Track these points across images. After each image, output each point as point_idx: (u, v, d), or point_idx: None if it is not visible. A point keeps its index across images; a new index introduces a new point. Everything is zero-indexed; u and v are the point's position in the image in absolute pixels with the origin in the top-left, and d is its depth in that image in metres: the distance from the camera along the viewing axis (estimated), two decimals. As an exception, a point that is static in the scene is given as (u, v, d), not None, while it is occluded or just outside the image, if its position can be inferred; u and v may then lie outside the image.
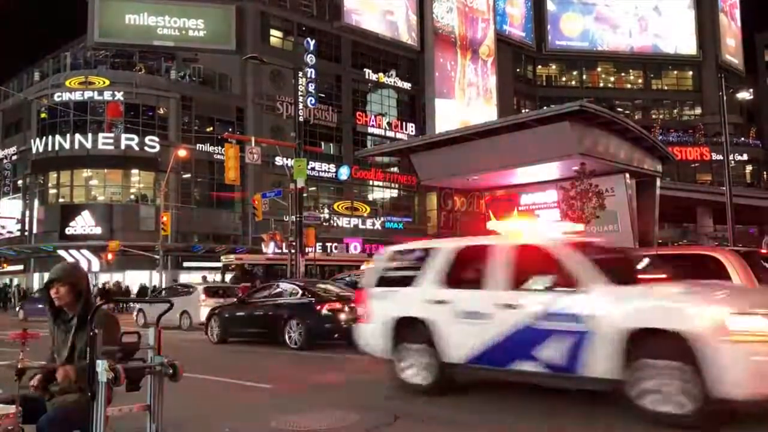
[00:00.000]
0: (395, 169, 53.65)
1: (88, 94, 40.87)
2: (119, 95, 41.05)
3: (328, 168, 48.14)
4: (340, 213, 48.77)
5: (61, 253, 38.58)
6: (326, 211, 47.30)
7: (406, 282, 8.49)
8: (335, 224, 46.86)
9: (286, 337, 14.30)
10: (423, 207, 55.06)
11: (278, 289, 15.97)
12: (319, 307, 14.16)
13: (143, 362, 3.57)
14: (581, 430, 6.11)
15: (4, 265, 42.31)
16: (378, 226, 50.50)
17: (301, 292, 15.07)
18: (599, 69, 71.08)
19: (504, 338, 7.03)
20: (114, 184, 41.86)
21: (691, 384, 5.73)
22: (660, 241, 40.65)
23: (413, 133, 52.67)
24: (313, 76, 43.42)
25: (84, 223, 39.62)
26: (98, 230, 39.46)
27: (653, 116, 68.93)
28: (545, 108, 38.60)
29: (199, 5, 46.28)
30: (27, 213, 43.45)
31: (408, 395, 7.86)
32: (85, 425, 3.41)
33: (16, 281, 44.46)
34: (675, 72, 72.03)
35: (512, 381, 7.42)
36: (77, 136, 40.16)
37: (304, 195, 28.17)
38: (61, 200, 41.65)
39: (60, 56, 46.35)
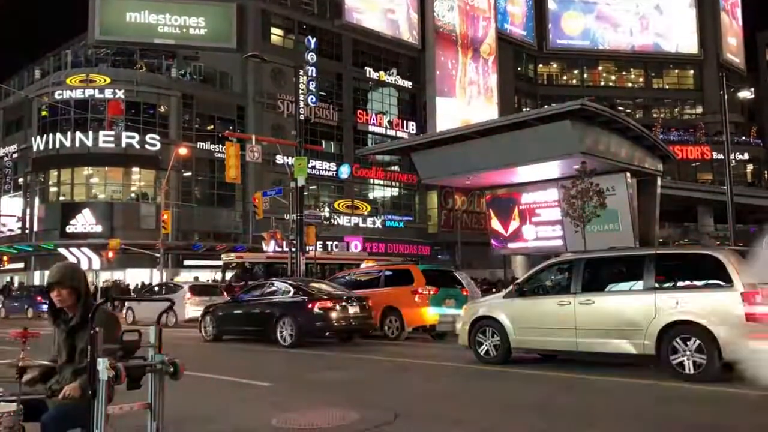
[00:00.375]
0: (396, 168, 53.64)
1: (89, 92, 40.84)
2: (120, 93, 41.02)
3: (329, 166, 48.12)
4: (341, 211, 48.76)
5: (62, 251, 38.60)
6: (327, 209, 47.28)
7: None
8: (336, 223, 46.85)
9: (278, 335, 14.45)
10: (424, 205, 55.07)
11: (271, 288, 16.11)
12: (310, 306, 14.32)
13: (144, 360, 3.57)
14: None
15: (5, 262, 42.33)
16: (379, 224, 50.50)
17: (293, 290, 15.22)
18: (600, 68, 71.02)
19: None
20: (115, 182, 41.85)
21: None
22: (661, 240, 40.71)
23: (414, 132, 52.66)
24: (313, 75, 43.38)
25: (85, 221, 39.61)
26: (99, 228, 39.45)
27: (654, 115, 68.91)
28: (546, 107, 38.65)
29: (200, 3, 46.26)
30: (28, 211, 43.44)
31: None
32: (87, 423, 3.41)
33: (17, 279, 44.47)
34: (676, 71, 71.97)
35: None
36: (78, 134, 40.15)
37: (305, 193, 28.15)
38: (61, 198, 41.64)
39: (61, 54, 46.32)
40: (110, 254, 37.14)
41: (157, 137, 40.88)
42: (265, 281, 18.04)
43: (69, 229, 39.60)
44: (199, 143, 42.34)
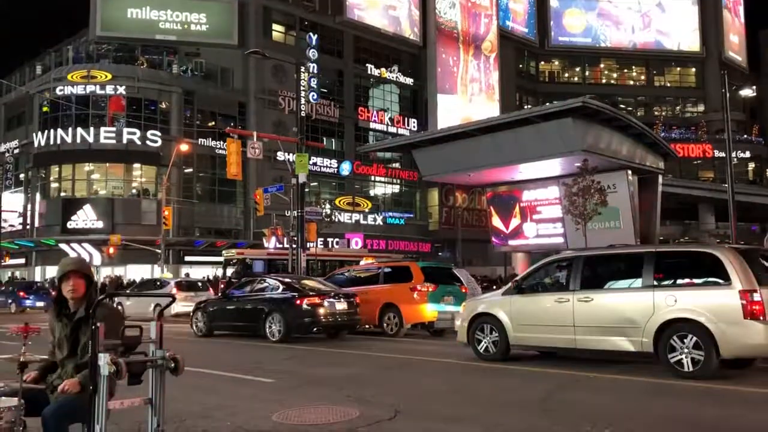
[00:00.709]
0: (397, 165, 53.63)
1: (90, 88, 40.84)
2: (121, 89, 41.01)
3: (330, 163, 48.12)
4: (342, 208, 48.77)
5: (63, 247, 38.64)
6: (328, 206, 47.29)
7: None
8: (337, 220, 46.86)
9: (267, 330, 14.70)
10: (424, 203, 55.08)
11: (261, 284, 16.39)
12: (298, 302, 14.58)
13: (145, 356, 3.57)
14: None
15: (6, 258, 42.37)
16: (379, 221, 50.51)
17: (282, 287, 15.48)
18: (602, 65, 70.94)
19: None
20: (116, 178, 41.87)
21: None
22: (662, 237, 40.70)
23: (415, 129, 52.64)
24: (315, 71, 43.39)
25: (86, 217, 39.64)
26: (100, 224, 39.48)
27: (656, 113, 68.84)
28: (548, 104, 38.63)
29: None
30: (29, 207, 43.49)
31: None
32: (87, 418, 3.41)
33: (18, 274, 44.53)
34: (678, 68, 71.87)
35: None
36: (79, 130, 40.16)
37: (306, 190, 28.15)
38: (62, 194, 41.66)
39: (62, 50, 46.33)
40: (111, 250, 37.19)
41: (159, 133, 40.88)
42: (255, 277, 18.34)
43: (70, 224, 39.64)
44: (200, 139, 42.35)
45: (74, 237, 39.39)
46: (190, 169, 43.11)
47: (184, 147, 37.19)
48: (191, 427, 6.13)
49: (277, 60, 39.04)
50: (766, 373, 9.36)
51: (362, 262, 26.63)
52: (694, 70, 71.32)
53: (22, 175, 45.52)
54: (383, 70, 53.33)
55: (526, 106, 58.72)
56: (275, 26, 48.25)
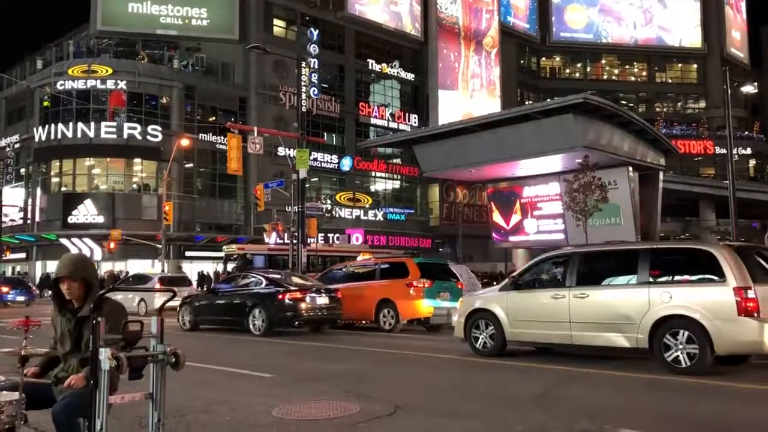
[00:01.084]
0: (398, 161, 53.63)
1: (90, 82, 40.82)
2: (122, 84, 40.99)
3: (331, 159, 48.10)
4: (342, 204, 48.78)
5: (64, 241, 38.67)
6: (328, 201, 47.30)
7: None
8: (337, 215, 46.86)
9: (251, 324, 15.05)
10: (425, 198, 55.09)
11: (246, 280, 16.83)
12: (281, 297, 14.96)
13: (146, 351, 3.58)
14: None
15: (7, 252, 42.40)
16: (380, 217, 50.52)
17: (265, 282, 15.93)
18: (603, 61, 70.83)
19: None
20: (116, 173, 41.89)
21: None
22: (662, 234, 40.69)
23: (416, 125, 52.60)
24: (316, 67, 43.34)
25: (86, 212, 39.67)
26: (101, 219, 39.50)
27: (657, 109, 68.76)
28: (549, 100, 38.56)
29: (203, -6, 46.17)
30: (29, 201, 43.51)
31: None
32: (89, 412, 3.42)
33: (18, 269, 44.58)
34: (679, 65, 71.75)
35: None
36: (80, 124, 40.16)
37: (307, 185, 28.15)
38: (63, 189, 41.68)
39: (63, 44, 46.29)
40: (112, 245, 37.21)
41: (159, 128, 40.87)
42: (240, 273, 18.74)
43: (71, 219, 39.66)
44: (200, 135, 42.32)
45: (75, 232, 39.41)
46: (191, 164, 43.11)
47: (184, 142, 37.20)
48: (192, 421, 6.14)
49: (278, 55, 38.99)
50: (760, 369, 9.39)
51: (359, 258, 26.73)
52: (695, 66, 71.20)
53: (22, 170, 45.55)
54: (384, 65, 53.28)
55: (527, 102, 58.67)
56: (276, 21, 48.18)
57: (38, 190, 42.77)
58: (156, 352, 3.55)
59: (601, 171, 28.97)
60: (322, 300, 15.41)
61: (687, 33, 69.64)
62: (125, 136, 40.33)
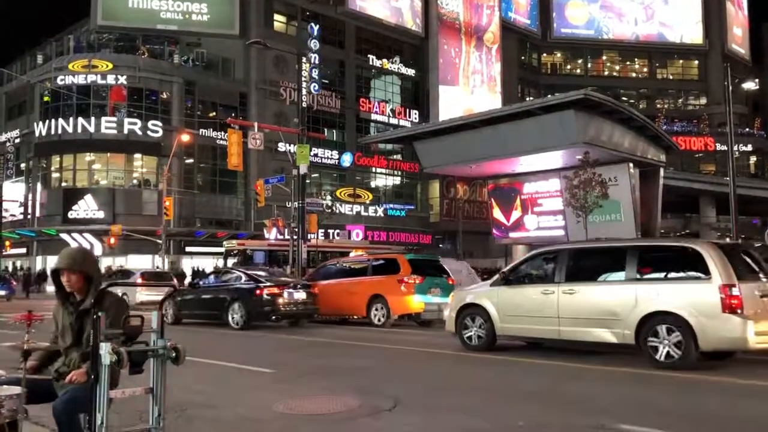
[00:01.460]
0: (398, 157, 53.58)
1: (91, 77, 40.77)
2: (122, 79, 40.94)
3: (331, 154, 48.08)
4: (343, 200, 48.78)
5: (64, 236, 38.67)
6: (329, 197, 47.30)
7: None
8: (337, 211, 46.87)
9: (230, 318, 15.56)
10: (426, 194, 55.08)
11: (227, 276, 17.56)
12: (258, 292, 15.51)
13: (146, 345, 3.58)
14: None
15: (8, 248, 42.43)
16: (380, 213, 50.52)
17: (245, 277, 16.52)
18: (604, 57, 70.72)
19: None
20: (117, 169, 41.87)
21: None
22: (662, 231, 40.68)
23: (417, 121, 52.55)
24: (316, 62, 43.24)
25: (87, 207, 39.67)
26: (101, 214, 39.51)
27: (658, 105, 68.69)
28: (549, 96, 38.50)
29: (203, -11, 46.07)
30: (30, 196, 43.52)
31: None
32: (89, 406, 3.42)
33: (19, 264, 44.60)
34: (680, 61, 71.65)
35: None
36: (80, 119, 40.13)
37: (307, 181, 28.15)
38: (64, 184, 41.68)
39: (63, 39, 46.24)
40: (112, 240, 37.23)
41: (160, 124, 40.84)
42: (222, 269, 19.46)
43: (71, 214, 39.67)
44: (201, 130, 42.30)
45: (75, 227, 39.43)
46: (191, 160, 43.10)
47: (185, 137, 37.16)
48: (193, 416, 6.15)
49: (279, 50, 38.96)
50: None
51: (352, 254, 26.91)
52: (696, 62, 71.10)
53: (23, 165, 45.53)
54: (385, 61, 53.21)
55: (527, 98, 58.56)
56: (276, 16, 48.10)
57: (38, 185, 42.77)
58: (156, 347, 3.55)
59: (601, 167, 28.93)
60: (299, 295, 15.96)
61: (688, 29, 69.51)
62: (125, 131, 40.31)
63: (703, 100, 69.72)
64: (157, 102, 42.17)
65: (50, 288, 29.95)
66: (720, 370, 8.78)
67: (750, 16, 75.77)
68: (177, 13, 45.60)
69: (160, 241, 35.34)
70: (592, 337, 9.60)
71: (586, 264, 10.45)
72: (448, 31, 55.95)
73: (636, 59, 71.34)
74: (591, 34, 68.43)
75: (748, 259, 9.54)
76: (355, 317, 17.24)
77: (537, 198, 38.28)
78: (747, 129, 65.94)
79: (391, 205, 51.64)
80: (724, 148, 43.70)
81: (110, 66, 40.80)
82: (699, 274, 8.84)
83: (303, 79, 30.22)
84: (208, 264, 38.38)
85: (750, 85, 40.63)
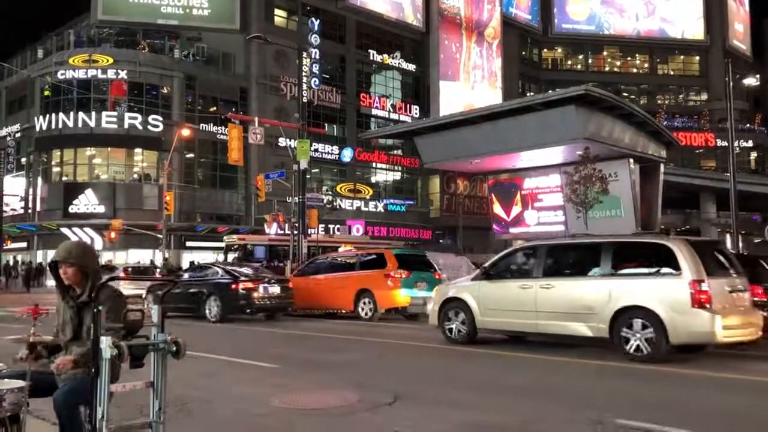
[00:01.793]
0: (399, 152, 53.56)
1: (91, 72, 40.73)
2: (123, 74, 40.91)
3: (332, 150, 48.05)
4: (343, 195, 48.78)
5: (65, 231, 38.70)
6: (329, 192, 47.29)
7: None
8: (338, 206, 46.87)
9: (207, 311, 16.05)
10: (426, 190, 55.06)
11: (205, 271, 18.20)
12: (234, 286, 16.13)
13: (147, 339, 3.60)
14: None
15: (8, 242, 42.47)
16: (380, 208, 50.51)
17: (222, 272, 17.25)
18: (605, 53, 70.58)
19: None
20: (117, 163, 41.86)
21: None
22: (662, 226, 40.66)
23: (417, 116, 52.50)
24: (317, 57, 43.20)
25: (87, 202, 39.69)
26: (101, 209, 39.53)
27: (659, 101, 68.54)
28: (550, 92, 38.48)
29: (204, -17, 45.94)
30: (30, 191, 43.53)
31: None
32: (90, 400, 3.45)
33: (20, 258, 44.63)
34: (681, 57, 71.47)
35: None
36: (81, 114, 40.11)
37: (307, 176, 28.15)
38: (64, 178, 41.67)
39: (63, 33, 46.17)
40: (113, 235, 37.25)
41: (160, 118, 40.82)
42: (203, 265, 20.21)
43: (72, 209, 39.68)
44: (201, 125, 42.26)
45: (76, 221, 39.45)
46: (192, 155, 43.08)
47: (185, 132, 37.15)
48: (193, 410, 6.19)
49: (279, 45, 38.89)
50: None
51: (340, 249, 27.10)
52: (697, 58, 70.94)
53: (23, 159, 45.52)
54: (385, 56, 53.12)
55: (528, 94, 58.51)
56: (277, 11, 48.00)
57: (39, 180, 42.77)
58: (157, 341, 3.57)
59: (601, 163, 28.98)
60: (274, 289, 16.54)
61: (689, 25, 69.34)
62: (126, 125, 40.29)
63: (704, 96, 69.59)
64: (157, 97, 42.13)
65: (50, 282, 30.02)
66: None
67: (751, 11, 75.60)
68: (177, 7, 45.50)
69: (160, 236, 35.37)
70: (568, 330, 9.85)
71: (562, 259, 10.76)
72: (448, 26, 55.84)
73: (637, 55, 71.18)
74: (592, 29, 68.26)
75: (720, 256, 9.84)
76: (343, 311, 17.50)
77: (537, 193, 38.32)
78: (748, 125, 65.81)
79: (392, 201, 51.64)
80: (725, 144, 43.69)
81: (111, 60, 40.76)
82: (670, 270, 9.07)
83: (303, 74, 30.17)
84: (208, 259, 38.36)
85: (751, 81, 40.62)
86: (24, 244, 44.48)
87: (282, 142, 38.94)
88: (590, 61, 69.86)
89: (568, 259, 10.78)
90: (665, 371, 8.37)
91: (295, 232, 25.94)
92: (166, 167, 36.45)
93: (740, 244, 35.68)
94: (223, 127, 39.71)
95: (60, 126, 40.44)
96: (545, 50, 69.33)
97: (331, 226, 43.87)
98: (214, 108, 44.20)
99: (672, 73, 71.36)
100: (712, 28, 69.08)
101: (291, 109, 41.07)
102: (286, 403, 6.49)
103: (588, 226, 26.94)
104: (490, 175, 41.16)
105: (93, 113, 40.18)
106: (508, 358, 9.90)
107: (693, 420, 5.81)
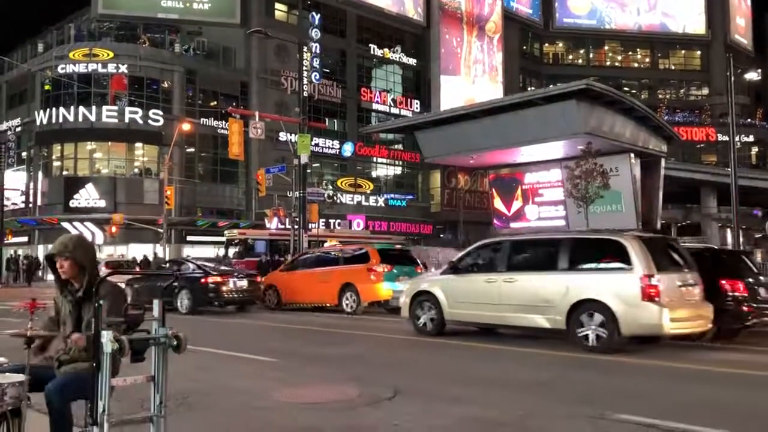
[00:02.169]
0: (399, 146, 53.51)
1: (92, 66, 40.69)
2: (123, 68, 40.87)
3: (332, 144, 48.02)
4: (344, 189, 48.77)
5: (65, 225, 38.69)
6: (330, 187, 47.28)
7: None
8: (338, 201, 46.87)
9: (178, 303, 16.85)
10: (427, 184, 55.04)
11: (181, 266, 19.12)
12: (203, 280, 17.06)
13: (148, 334, 3.61)
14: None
15: (9, 236, 42.48)
16: (381, 203, 50.51)
17: (193, 267, 18.19)
18: (606, 47, 70.44)
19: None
20: (118, 158, 41.87)
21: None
22: (663, 221, 40.67)
23: (418, 110, 52.44)
24: (317, 51, 43.11)
25: (88, 196, 39.71)
26: (102, 203, 39.55)
27: (660, 96, 68.47)
28: (551, 86, 38.37)
29: (204, -22, 45.84)
30: (31, 185, 43.53)
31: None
32: (90, 394, 3.45)
33: (20, 252, 44.64)
34: (683, 51, 71.35)
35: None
36: (81, 108, 40.09)
37: (308, 171, 28.14)
38: (65, 173, 41.70)
39: (64, 27, 46.09)
40: (113, 229, 37.27)
41: (161, 113, 40.80)
42: (177, 260, 21.69)
43: (72, 203, 39.71)
44: (202, 119, 42.24)
45: (76, 216, 39.46)
46: (192, 149, 43.07)
47: (186, 126, 37.13)
48: (194, 403, 6.20)
49: (280, 39, 38.82)
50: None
51: (326, 245, 27.39)
52: (699, 53, 70.81)
53: (24, 154, 45.51)
54: (386, 50, 53.02)
55: (529, 88, 58.40)
56: (277, 5, 47.90)
57: (40, 174, 42.78)
58: (158, 335, 3.57)
59: (602, 158, 28.90)
60: (242, 283, 17.68)
61: (691, 19, 69.17)
62: (126, 120, 40.28)
63: (705, 91, 69.48)
64: (158, 91, 42.09)
65: (51, 276, 30.04)
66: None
67: (753, 6, 75.42)
68: (178, 1, 45.43)
69: (161, 230, 35.38)
70: (528, 322, 10.32)
71: (525, 255, 11.32)
72: (449, 20, 55.73)
73: (638, 49, 71.04)
74: (593, 24, 68.12)
75: (672, 252, 10.33)
76: (328, 305, 17.85)
77: (538, 188, 38.23)
78: (749, 120, 65.74)
79: (392, 195, 51.63)
80: (726, 138, 43.66)
81: (111, 55, 40.70)
82: (623, 265, 9.51)
83: (304, 68, 30.14)
84: (209, 253, 38.38)
85: (752, 76, 40.58)
86: (25, 239, 44.52)
87: (282, 136, 38.74)
88: (591, 55, 69.74)
89: (531, 254, 11.29)
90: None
91: (296, 226, 25.94)
92: (167, 161, 36.43)
93: (741, 239, 35.68)
94: (223, 122, 39.68)
95: (60, 120, 40.43)
96: (546, 45, 69.20)
97: (331, 221, 43.89)
98: (215, 102, 44.17)
99: (673, 67, 71.23)
100: (714, 22, 68.92)
101: (291, 104, 41.07)
102: (288, 396, 6.50)
103: (589, 221, 26.94)
104: (491, 170, 41.07)
105: (93, 107, 40.17)
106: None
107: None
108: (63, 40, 44.06)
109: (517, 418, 5.75)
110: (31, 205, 43.15)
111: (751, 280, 11.26)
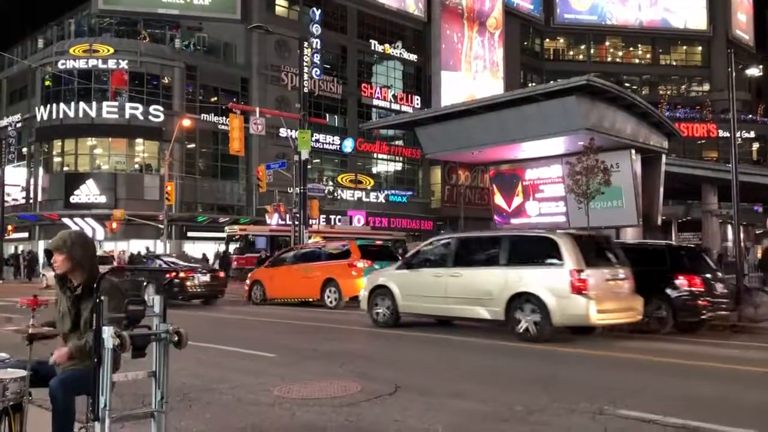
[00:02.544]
0: (400, 142, 53.47)
1: (92, 62, 40.64)
2: (123, 64, 40.80)
3: (333, 140, 47.98)
4: (344, 185, 48.75)
5: (66, 221, 38.73)
6: (330, 183, 47.27)
7: None
8: (339, 197, 46.86)
9: (145, 296, 17.06)
10: (427, 180, 55.01)
11: (149, 262, 20.47)
12: (168, 275, 17.76)
13: (149, 329, 3.61)
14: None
15: (10, 232, 42.52)
16: (382, 199, 50.50)
17: (160, 263, 19.27)
18: (607, 43, 70.29)
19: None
20: (118, 153, 41.84)
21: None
22: (664, 217, 40.66)
23: (419, 106, 52.38)
24: (318, 47, 43.05)
25: (89, 192, 39.70)
26: (103, 199, 39.55)
27: (661, 92, 68.33)
28: (552, 82, 38.32)
29: (204, -27, 45.73)
30: (32, 181, 43.53)
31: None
32: (92, 389, 3.46)
33: (21, 248, 44.69)
34: (684, 47, 71.20)
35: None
36: (82, 104, 40.05)
37: (309, 167, 28.13)
38: (65, 168, 41.67)
39: (64, 23, 46.01)
40: (114, 225, 37.29)
41: (161, 108, 40.76)
42: (143, 256, 22.88)
43: (73, 199, 39.71)
44: (202, 115, 42.17)
45: (77, 212, 39.47)
46: (193, 145, 43.04)
47: (186, 122, 37.09)
48: (195, 399, 6.22)
49: (280, 35, 38.78)
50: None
51: (309, 241, 27.41)
52: (700, 48, 70.65)
53: (24, 149, 45.50)
54: (387, 46, 52.93)
55: (530, 84, 58.36)
56: (278, 1, 47.77)
57: (40, 170, 42.76)
58: (159, 331, 3.58)
59: (603, 154, 28.82)
60: (205, 279, 18.57)
61: (692, 15, 69.00)
62: (127, 116, 40.24)
63: (706, 87, 69.36)
64: (158, 87, 42.04)
65: (51, 272, 30.04)
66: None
67: (754, 2, 75.20)
68: (178, -4, 45.31)
69: (161, 226, 35.39)
70: (472, 314, 11.12)
71: (470, 251, 11.99)
72: (450, 16, 55.62)
73: (639, 45, 70.87)
74: (594, 19, 67.95)
75: (605, 249, 11.10)
76: (311, 300, 18.15)
77: (539, 184, 38.21)
78: (750, 116, 65.59)
79: (393, 191, 51.61)
80: (727, 134, 43.57)
81: (111, 50, 40.65)
82: (555, 261, 10.25)
83: (305, 64, 30.09)
84: (209, 249, 38.41)
85: (753, 72, 40.41)
86: (25, 234, 44.56)
87: (283, 132, 38.85)
88: (592, 51, 69.61)
89: (475, 250, 12.01)
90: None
91: (296, 222, 25.95)
92: (167, 157, 36.41)
93: (741, 235, 35.65)
94: (224, 118, 39.62)
95: (61, 116, 40.39)
96: (547, 40, 69.05)
97: (332, 217, 43.89)
98: (215, 98, 44.09)
99: (674, 63, 71.08)
100: (715, 18, 68.76)
101: (292, 100, 41.01)
102: (289, 392, 6.51)
103: (589, 217, 26.93)
104: (492, 166, 41.05)
105: (94, 103, 40.13)
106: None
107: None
108: (63, 35, 43.99)
109: (515, 412, 5.77)
110: (31, 201, 43.16)
111: (708, 275, 11.97)
